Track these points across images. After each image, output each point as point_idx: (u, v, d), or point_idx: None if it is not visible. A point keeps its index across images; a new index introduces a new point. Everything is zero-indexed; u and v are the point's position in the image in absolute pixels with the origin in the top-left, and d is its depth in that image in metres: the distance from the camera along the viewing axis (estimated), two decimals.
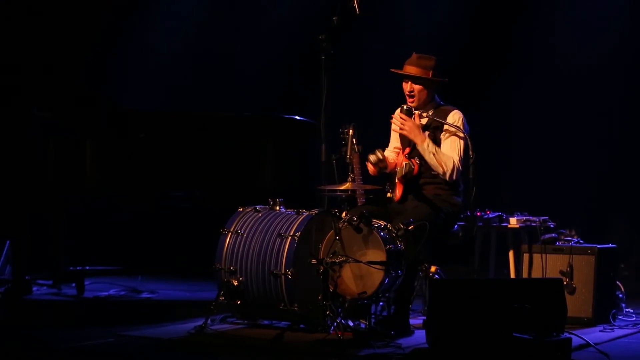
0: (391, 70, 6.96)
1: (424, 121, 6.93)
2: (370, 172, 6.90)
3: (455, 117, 6.84)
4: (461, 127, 6.82)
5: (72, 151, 8.02)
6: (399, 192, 6.91)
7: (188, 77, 10.76)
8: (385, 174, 7.02)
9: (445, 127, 6.84)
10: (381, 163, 6.84)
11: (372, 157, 6.82)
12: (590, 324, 7.24)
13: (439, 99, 7.00)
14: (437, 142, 6.87)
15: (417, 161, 6.70)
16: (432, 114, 6.89)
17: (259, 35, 10.73)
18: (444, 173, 6.76)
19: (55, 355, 6.13)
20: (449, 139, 6.84)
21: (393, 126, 7.11)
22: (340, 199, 7.07)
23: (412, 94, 6.91)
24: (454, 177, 6.77)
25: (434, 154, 6.75)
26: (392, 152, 7.12)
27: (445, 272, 7.45)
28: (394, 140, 7.14)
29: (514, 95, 10.04)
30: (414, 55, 6.94)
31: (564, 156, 9.81)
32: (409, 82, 6.91)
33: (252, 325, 6.97)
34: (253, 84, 10.61)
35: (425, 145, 6.75)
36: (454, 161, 6.75)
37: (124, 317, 7.56)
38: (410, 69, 6.90)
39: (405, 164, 6.65)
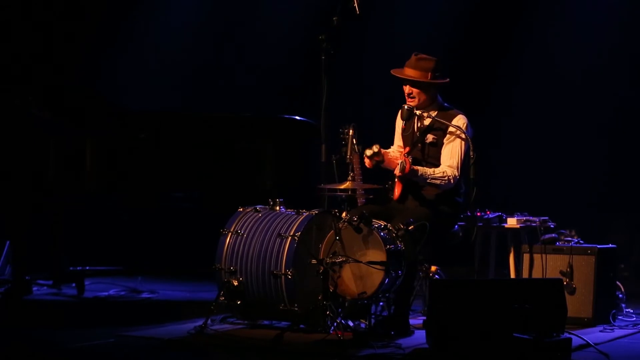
0: (392, 73, 6.96)
1: (427, 122, 6.93)
2: (366, 164, 6.89)
3: (459, 123, 6.84)
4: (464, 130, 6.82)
5: (73, 151, 8.01)
6: (397, 191, 6.92)
7: (188, 78, 10.76)
8: (386, 172, 7.01)
9: (449, 130, 6.84)
10: (376, 157, 6.82)
11: (368, 152, 6.80)
12: (590, 324, 7.24)
13: (441, 100, 6.99)
14: (439, 144, 6.87)
15: (410, 159, 6.70)
16: (436, 115, 6.89)
17: (259, 36, 10.73)
18: (441, 186, 6.77)
19: (55, 355, 6.13)
20: (451, 144, 6.84)
21: (397, 127, 7.12)
22: (340, 199, 7.07)
23: (412, 95, 6.92)
24: (452, 183, 6.78)
25: (428, 179, 6.75)
26: (396, 151, 7.12)
27: (445, 272, 7.45)
28: (397, 139, 7.15)
29: (513, 95, 10.03)
30: (413, 57, 6.92)
31: (564, 156, 9.80)
32: (408, 85, 6.91)
33: (252, 326, 6.97)
34: (253, 84, 10.60)
35: (419, 176, 6.74)
36: (444, 172, 6.75)
37: (124, 317, 7.56)
38: (409, 72, 6.89)
39: (400, 162, 6.66)
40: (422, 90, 6.89)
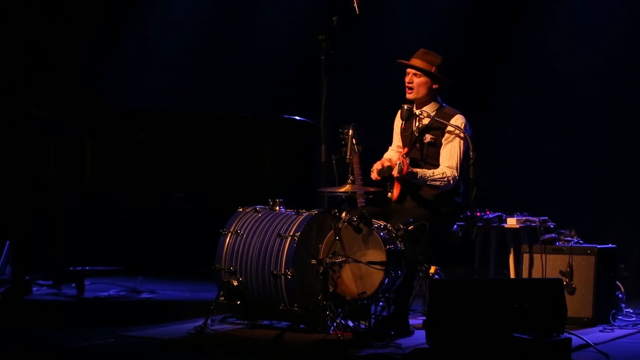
0: (397, 60, 6.96)
1: (426, 121, 6.93)
2: (373, 178, 6.91)
3: (458, 123, 6.84)
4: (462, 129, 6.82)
5: (73, 151, 8.02)
6: (396, 191, 6.91)
7: (188, 77, 10.76)
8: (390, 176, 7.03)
9: (447, 130, 6.84)
10: (386, 174, 6.85)
11: (376, 174, 6.82)
12: (590, 324, 7.24)
13: (441, 100, 6.99)
14: (437, 145, 6.87)
15: (408, 161, 6.70)
16: (434, 114, 6.89)
17: (259, 36, 10.72)
18: (441, 187, 6.77)
19: (55, 355, 6.14)
20: (449, 144, 6.84)
21: (396, 127, 7.12)
22: (340, 199, 7.08)
23: (411, 85, 6.90)
24: (451, 184, 6.78)
25: (428, 180, 6.74)
26: (396, 151, 7.13)
27: (445, 272, 7.45)
28: (396, 139, 7.15)
29: (513, 94, 10.03)
30: (421, 50, 6.96)
31: (564, 156, 9.80)
32: (410, 74, 6.91)
33: (252, 326, 6.98)
34: (253, 84, 10.60)
35: (418, 178, 6.74)
36: (444, 173, 6.75)
37: (124, 317, 7.57)
38: (414, 61, 6.91)
39: (398, 163, 6.66)
40: (423, 83, 6.88)
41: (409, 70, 6.92)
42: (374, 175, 6.88)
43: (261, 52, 10.65)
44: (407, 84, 6.92)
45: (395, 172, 6.70)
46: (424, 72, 6.87)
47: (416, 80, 6.89)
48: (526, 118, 9.94)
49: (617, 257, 7.68)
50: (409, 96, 6.93)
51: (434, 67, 6.88)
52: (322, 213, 6.98)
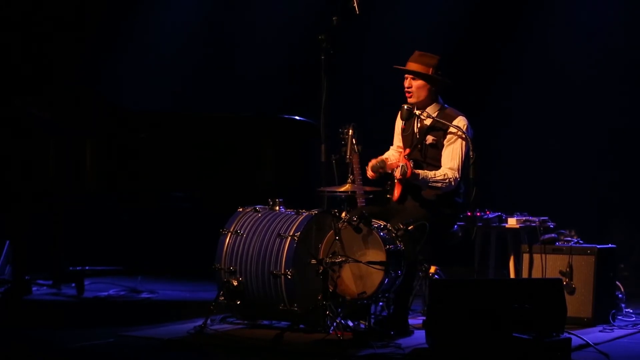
0: (394, 66, 6.96)
1: (428, 122, 6.92)
2: (369, 177, 6.92)
3: (460, 124, 6.83)
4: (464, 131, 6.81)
5: (73, 151, 8.02)
6: (397, 192, 6.91)
7: (188, 78, 10.76)
8: (385, 174, 7.02)
9: (449, 131, 6.83)
10: (381, 170, 6.86)
11: (370, 173, 6.83)
12: (589, 324, 7.24)
13: (442, 101, 6.99)
14: (439, 146, 6.86)
15: (412, 163, 6.70)
16: (436, 115, 6.88)
17: (259, 36, 10.73)
18: (443, 189, 6.77)
19: (55, 355, 6.14)
20: (451, 146, 6.83)
21: (396, 127, 7.12)
22: (340, 199, 7.08)
23: (410, 89, 6.90)
24: (453, 186, 6.78)
25: (430, 182, 6.74)
26: (396, 151, 7.13)
27: (445, 272, 7.45)
28: (397, 140, 7.15)
29: (513, 94, 10.03)
30: (416, 52, 6.95)
31: (564, 156, 9.80)
32: (409, 78, 6.91)
33: (252, 326, 6.98)
34: (253, 84, 10.61)
35: (420, 179, 6.73)
36: (445, 175, 6.74)
37: (124, 317, 7.57)
38: (410, 65, 6.91)
39: (401, 165, 6.65)
40: (422, 85, 6.88)
41: (406, 74, 6.92)
42: (369, 173, 6.89)
43: (261, 52, 10.65)
44: (406, 89, 6.92)
45: (398, 175, 6.69)
46: (420, 75, 6.86)
47: (414, 83, 6.89)
48: (526, 118, 9.94)
49: (617, 257, 7.69)
50: (409, 101, 6.93)
51: (430, 69, 6.87)
52: (322, 213, 6.99)
